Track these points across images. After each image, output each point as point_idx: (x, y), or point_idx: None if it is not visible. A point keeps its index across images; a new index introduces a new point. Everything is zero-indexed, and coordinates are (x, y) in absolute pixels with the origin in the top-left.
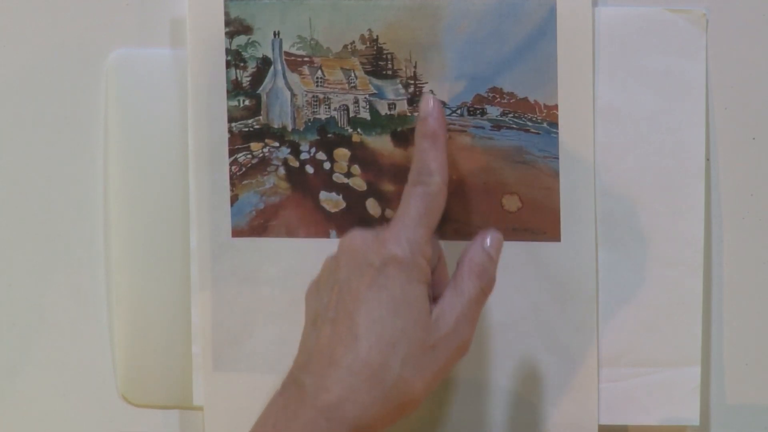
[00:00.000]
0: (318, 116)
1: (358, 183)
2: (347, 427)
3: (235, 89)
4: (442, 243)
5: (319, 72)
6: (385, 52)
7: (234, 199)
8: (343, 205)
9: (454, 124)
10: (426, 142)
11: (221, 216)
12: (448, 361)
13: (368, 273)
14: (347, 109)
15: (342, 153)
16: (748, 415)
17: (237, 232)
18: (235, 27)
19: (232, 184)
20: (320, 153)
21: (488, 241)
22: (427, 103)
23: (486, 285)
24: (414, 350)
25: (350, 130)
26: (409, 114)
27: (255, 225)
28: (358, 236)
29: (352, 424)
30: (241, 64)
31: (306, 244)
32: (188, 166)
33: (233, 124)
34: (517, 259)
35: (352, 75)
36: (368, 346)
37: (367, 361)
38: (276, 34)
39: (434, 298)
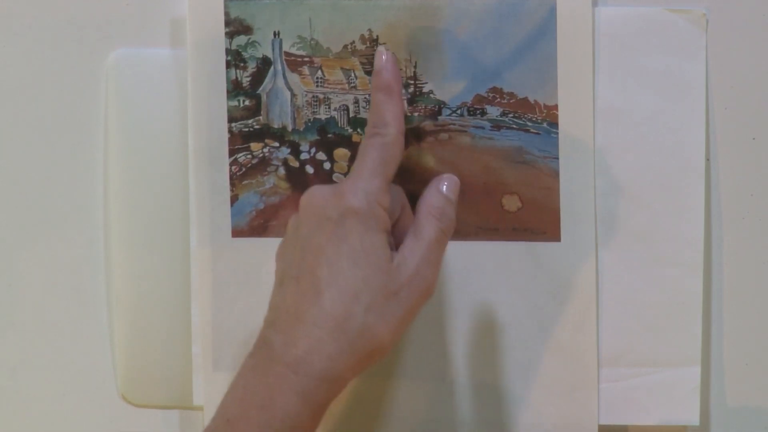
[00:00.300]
0: (318, 116)
1: None
2: (315, 378)
3: (235, 89)
4: None
5: (319, 72)
6: None
7: (234, 199)
8: None
9: (454, 124)
10: (381, 95)
11: (221, 216)
12: (412, 306)
13: (327, 227)
14: (347, 109)
15: (342, 153)
16: (748, 416)
17: (237, 232)
18: (235, 27)
19: (232, 184)
20: (320, 153)
21: (444, 184)
22: (380, 57)
23: (446, 226)
24: (377, 298)
25: (350, 130)
26: (408, 114)
27: (255, 225)
28: (316, 192)
29: (320, 375)
30: (241, 64)
31: None
32: (188, 166)
33: (233, 124)
34: (517, 259)
35: (352, 75)
36: (331, 299)
37: (330, 313)
38: (276, 34)
39: (397, 246)
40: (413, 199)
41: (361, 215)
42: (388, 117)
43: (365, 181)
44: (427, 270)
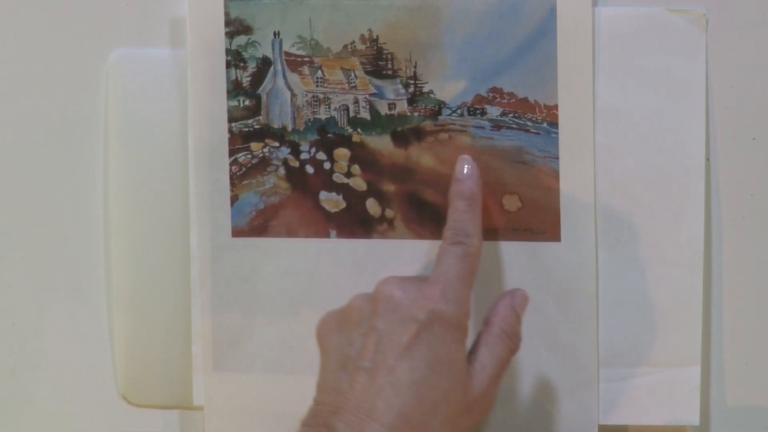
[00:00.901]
0: (318, 116)
1: (358, 183)
2: None
3: (235, 89)
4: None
5: (319, 72)
6: (385, 52)
7: (234, 199)
8: (343, 205)
9: (454, 124)
10: (462, 203)
11: (221, 216)
12: (477, 422)
13: (413, 328)
14: (347, 109)
15: (342, 153)
16: (748, 416)
17: (237, 232)
18: (235, 27)
19: (232, 184)
20: (320, 153)
21: (517, 299)
22: (463, 165)
23: (515, 346)
24: (453, 412)
25: (350, 130)
26: (408, 114)
27: (255, 225)
28: (396, 285)
29: None
30: (241, 64)
31: (306, 244)
32: (188, 166)
33: (233, 124)
34: (517, 259)
35: (352, 75)
36: (410, 405)
37: (408, 420)
38: (276, 34)
39: None
40: (414, 199)
41: (450, 323)
42: (472, 228)
43: (456, 289)
44: (494, 388)
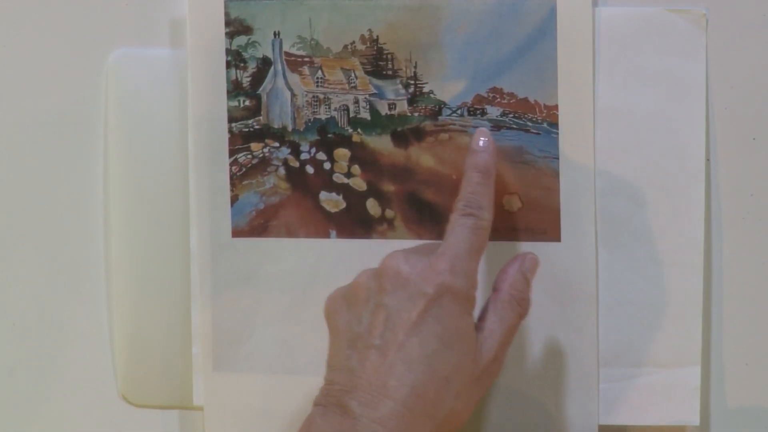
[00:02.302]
0: (318, 116)
1: (359, 183)
2: None
3: (235, 89)
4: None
5: (320, 72)
6: (385, 52)
7: (234, 200)
8: (344, 205)
9: (455, 124)
10: (477, 176)
11: (221, 216)
12: (487, 387)
13: (421, 302)
14: (347, 109)
15: (342, 153)
16: (748, 416)
17: (237, 232)
18: (236, 27)
19: (232, 185)
20: (320, 153)
21: (527, 263)
22: (480, 137)
23: (524, 311)
24: (464, 383)
25: (350, 130)
26: (409, 114)
27: (255, 225)
28: (403, 259)
29: None
30: (242, 65)
31: (306, 244)
32: (188, 166)
33: (233, 125)
34: None
35: (353, 75)
36: (423, 381)
37: (422, 395)
38: (276, 34)
39: None
40: (414, 199)
41: (458, 296)
42: (485, 201)
43: (464, 261)
44: (503, 354)
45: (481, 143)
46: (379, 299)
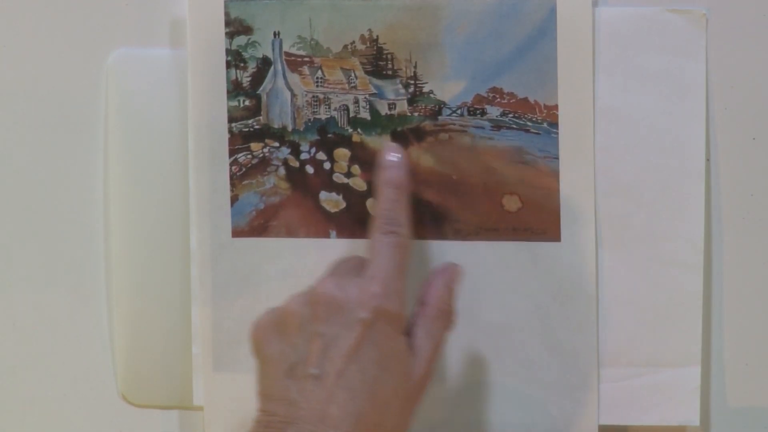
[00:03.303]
0: (318, 116)
1: (358, 183)
2: None
3: (235, 89)
4: (443, 243)
5: (319, 72)
6: (385, 52)
7: (234, 200)
8: (344, 205)
9: (454, 124)
10: (392, 192)
11: (221, 216)
12: (420, 400)
13: (358, 329)
14: (347, 109)
15: (342, 153)
16: (748, 416)
17: (237, 232)
18: (235, 27)
19: (232, 185)
20: (320, 153)
21: (450, 275)
22: (390, 152)
23: (451, 324)
24: (402, 403)
25: (350, 130)
26: (408, 114)
27: (255, 225)
28: (334, 285)
29: None
30: (241, 65)
31: (306, 244)
32: (188, 166)
33: (233, 125)
34: (517, 259)
35: (352, 75)
36: (365, 408)
37: (364, 422)
38: (276, 34)
39: None
40: (413, 199)
41: (392, 318)
42: (402, 217)
43: (395, 281)
44: (433, 367)
45: (392, 158)
46: (315, 327)
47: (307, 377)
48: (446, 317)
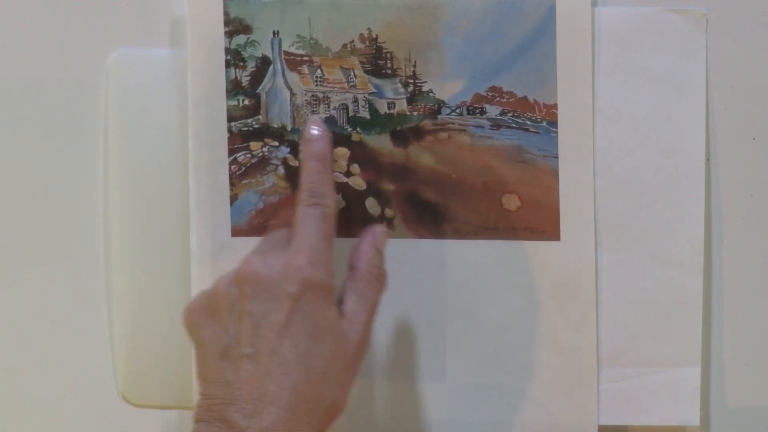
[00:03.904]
0: (317, 115)
1: (358, 182)
2: None
3: (234, 88)
4: (442, 242)
5: (319, 71)
6: (384, 51)
7: (233, 199)
8: (343, 204)
9: (454, 123)
10: (316, 164)
11: (221, 216)
12: (360, 366)
13: (286, 303)
14: (347, 109)
15: (341, 152)
16: (748, 416)
17: (237, 232)
18: (235, 26)
19: (232, 184)
20: None
21: (378, 237)
22: (313, 126)
23: (383, 284)
24: (340, 372)
25: (350, 130)
26: (408, 113)
27: (255, 224)
28: (259, 261)
29: None
30: (241, 64)
31: None
32: (188, 166)
33: (233, 124)
34: (516, 258)
35: (352, 74)
36: (301, 381)
37: (302, 395)
38: (275, 33)
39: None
40: (413, 198)
41: (320, 288)
42: (326, 188)
43: (321, 251)
44: (370, 329)
45: (314, 132)
46: (243, 306)
47: (242, 357)
48: (377, 279)
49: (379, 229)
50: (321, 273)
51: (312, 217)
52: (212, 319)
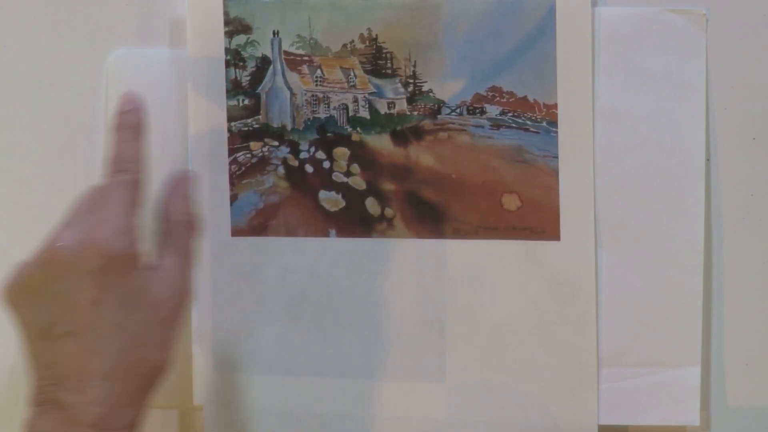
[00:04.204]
0: (317, 115)
1: (358, 182)
2: (122, 429)
3: (234, 88)
4: (442, 242)
5: (319, 71)
6: (384, 51)
7: (233, 199)
8: (343, 204)
9: (454, 123)
10: (123, 134)
11: (221, 215)
12: (180, 320)
13: (92, 278)
14: (346, 108)
15: (341, 152)
16: (748, 416)
17: (237, 232)
18: (235, 26)
19: (232, 184)
20: (320, 152)
21: (182, 184)
22: (124, 101)
23: (195, 229)
24: (159, 332)
25: (350, 129)
26: (408, 113)
27: (255, 224)
28: (63, 237)
29: (126, 424)
30: (241, 64)
31: (306, 243)
32: (188, 166)
33: (233, 124)
34: (516, 258)
35: (352, 74)
36: (123, 350)
37: (123, 364)
38: (275, 33)
39: None
40: (413, 198)
41: (125, 257)
42: (134, 154)
43: (124, 219)
44: (188, 281)
45: (127, 107)
46: (53, 287)
47: (61, 336)
48: (189, 227)
49: (183, 173)
50: (123, 242)
51: (116, 185)
52: (28, 300)
